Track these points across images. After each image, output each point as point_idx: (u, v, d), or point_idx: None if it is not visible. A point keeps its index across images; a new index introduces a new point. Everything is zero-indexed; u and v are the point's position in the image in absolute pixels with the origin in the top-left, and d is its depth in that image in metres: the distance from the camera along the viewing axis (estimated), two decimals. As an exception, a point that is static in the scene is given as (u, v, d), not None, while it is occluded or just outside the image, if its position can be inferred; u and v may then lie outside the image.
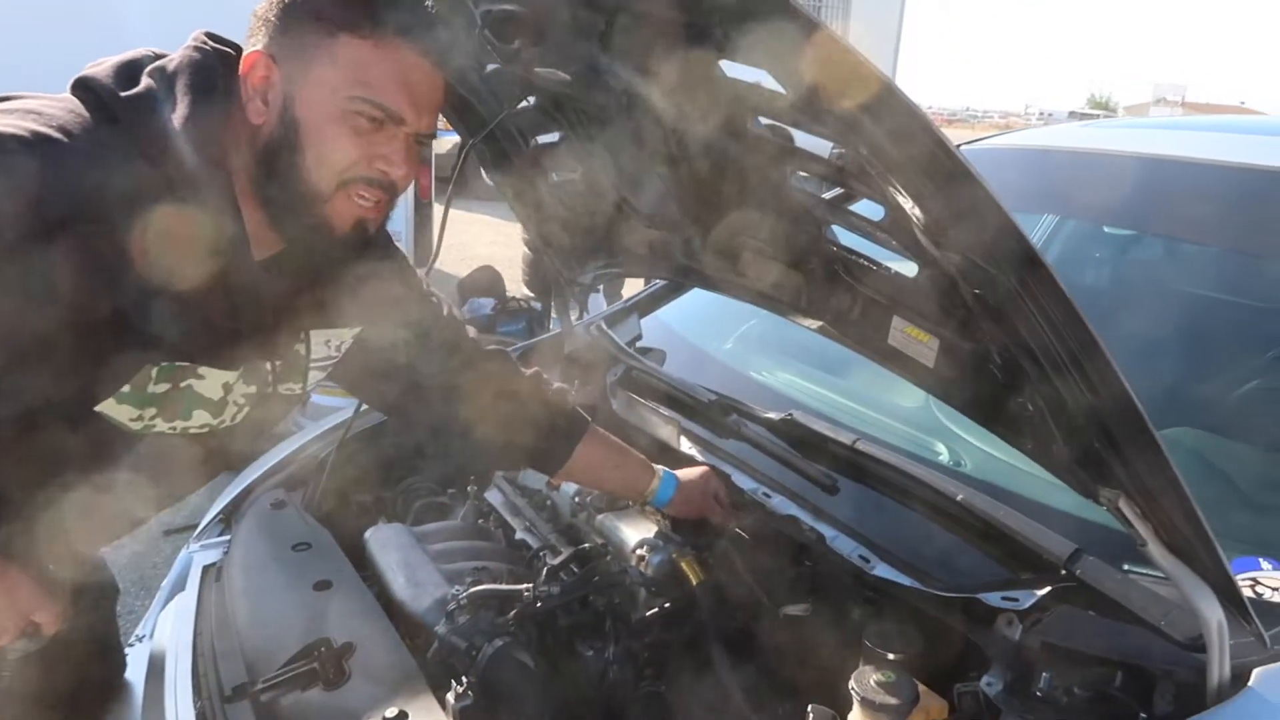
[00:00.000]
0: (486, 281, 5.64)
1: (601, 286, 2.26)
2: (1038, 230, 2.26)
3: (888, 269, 1.15)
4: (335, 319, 1.28)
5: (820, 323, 1.35)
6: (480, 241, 9.09)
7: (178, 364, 1.09)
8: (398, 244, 1.41)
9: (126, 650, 1.54)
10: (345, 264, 1.20)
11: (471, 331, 1.48)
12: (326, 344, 1.28)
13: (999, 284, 0.93)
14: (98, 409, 1.06)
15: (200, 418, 1.16)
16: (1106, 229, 2.30)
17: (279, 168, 1.05)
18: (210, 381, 1.13)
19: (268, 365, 1.20)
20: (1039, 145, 2.57)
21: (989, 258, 0.90)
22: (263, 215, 1.09)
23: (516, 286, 6.06)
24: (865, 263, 1.18)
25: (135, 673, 1.47)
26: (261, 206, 1.08)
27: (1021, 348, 0.98)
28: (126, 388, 1.06)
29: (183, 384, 1.10)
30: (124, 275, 0.96)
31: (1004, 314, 0.96)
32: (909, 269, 1.10)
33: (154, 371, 1.07)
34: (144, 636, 1.57)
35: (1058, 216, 2.29)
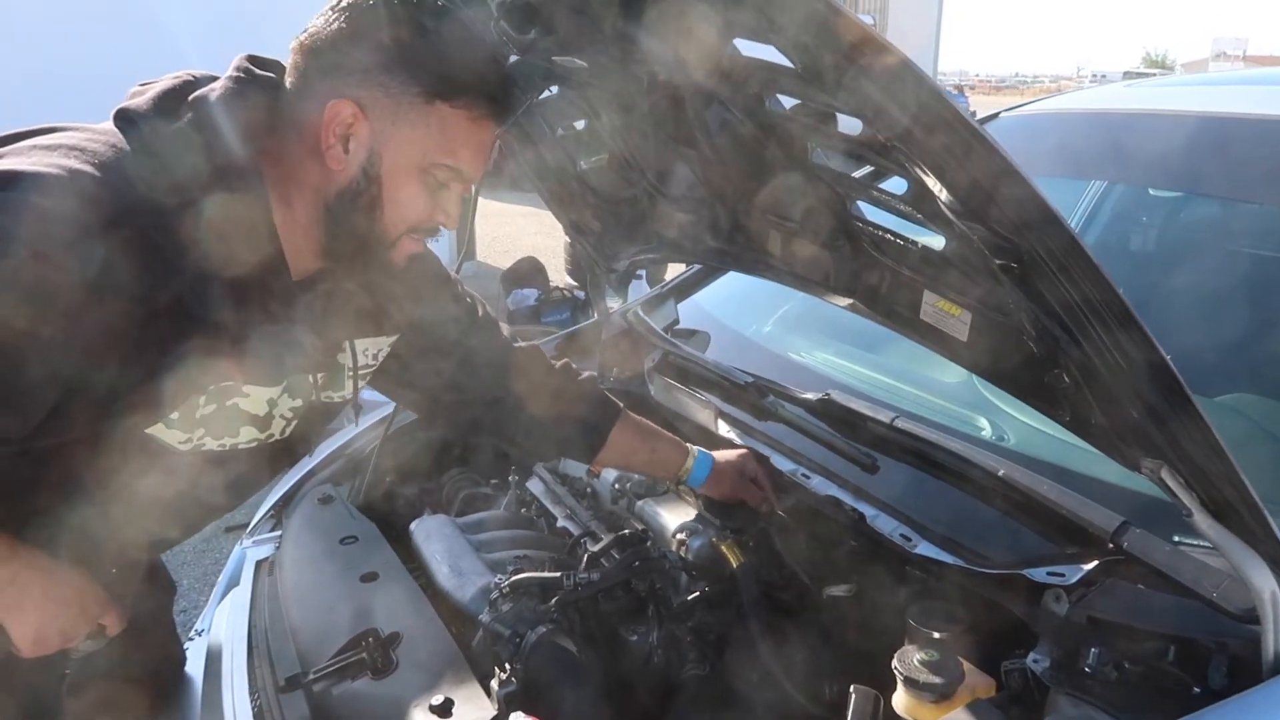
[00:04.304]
0: (529, 272, 5.68)
1: (644, 272, 2.27)
2: (1086, 196, 2.20)
3: (915, 243, 1.13)
4: (373, 328, 1.30)
5: (851, 300, 1.33)
6: (524, 233, 9.15)
7: (223, 384, 1.11)
8: (434, 243, 1.42)
9: (186, 645, 1.59)
10: (388, 282, 1.22)
11: (505, 329, 1.49)
12: (364, 352, 1.30)
13: (1025, 254, 0.91)
14: (148, 432, 1.09)
15: (248, 434, 1.18)
16: (1157, 192, 2.23)
17: (354, 217, 1.08)
18: (255, 399, 1.16)
19: (311, 378, 1.22)
20: (1084, 109, 2.49)
21: (1013, 228, 0.87)
22: (315, 244, 1.11)
23: (560, 276, 6.10)
24: (892, 238, 1.16)
25: (194, 666, 1.51)
26: (323, 244, 1.10)
27: (1053, 318, 0.95)
28: (175, 414, 1.09)
29: (228, 403, 1.13)
30: (159, 308, 0.98)
31: (1032, 284, 0.94)
32: (937, 242, 1.08)
33: (200, 399, 1.10)
34: (202, 631, 1.62)
35: (1106, 181, 2.22)
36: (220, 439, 1.15)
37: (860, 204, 1.22)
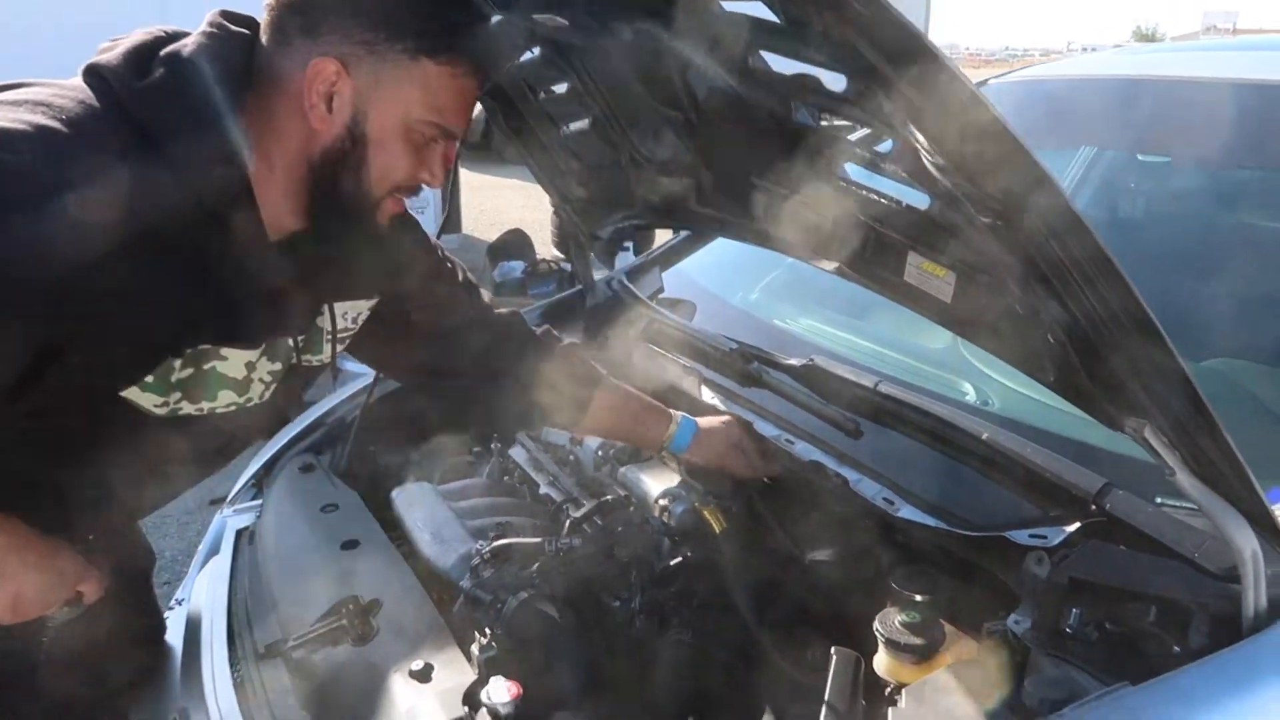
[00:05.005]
0: (516, 245, 5.65)
1: (630, 245, 2.26)
2: (1073, 163, 2.19)
3: (900, 203, 1.12)
4: (353, 291, 1.28)
5: (836, 263, 1.31)
6: (511, 206, 9.09)
7: (200, 347, 1.09)
8: (420, 213, 1.41)
9: (166, 614, 1.58)
10: (370, 243, 1.19)
11: (486, 295, 1.47)
12: (343, 316, 1.28)
13: (1010, 211, 0.89)
14: (122, 395, 1.07)
15: (226, 397, 1.16)
16: (1146, 157, 2.22)
17: (340, 178, 1.06)
18: (233, 362, 1.14)
19: (290, 341, 1.20)
20: (1071, 75, 2.48)
21: (998, 183, 0.86)
22: (296, 205, 1.08)
23: (547, 249, 6.06)
24: (877, 198, 1.14)
25: (174, 635, 1.50)
26: (305, 205, 1.09)
27: (1037, 276, 0.94)
28: (150, 377, 1.07)
29: (205, 366, 1.11)
30: (133, 271, 0.95)
31: (1018, 242, 0.92)
32: (921, 201, 1.07)
33: (176, 362, 1.08)
34: (182, 600, 1.61)
35: (1093, 147, 2.21)
36: (197, 403, 1.13)
37: (845, 165, 1.20)
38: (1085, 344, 0.96)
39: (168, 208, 0.96)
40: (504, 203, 9.25)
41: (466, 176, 8.27)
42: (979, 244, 1.01)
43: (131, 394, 1.07)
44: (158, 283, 0.98)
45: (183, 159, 0.97)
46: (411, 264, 1.34)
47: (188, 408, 1.12)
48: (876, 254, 1.21)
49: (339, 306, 1.26)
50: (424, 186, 1.13)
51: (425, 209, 5.78)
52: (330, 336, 1.26)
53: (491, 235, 6.47)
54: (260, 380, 1.18)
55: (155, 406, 1.09)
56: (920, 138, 0.91)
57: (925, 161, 0.97)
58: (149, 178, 0.95)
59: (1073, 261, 0.88)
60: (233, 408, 1.17)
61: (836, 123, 1.14)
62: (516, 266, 5.50)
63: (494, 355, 1.42)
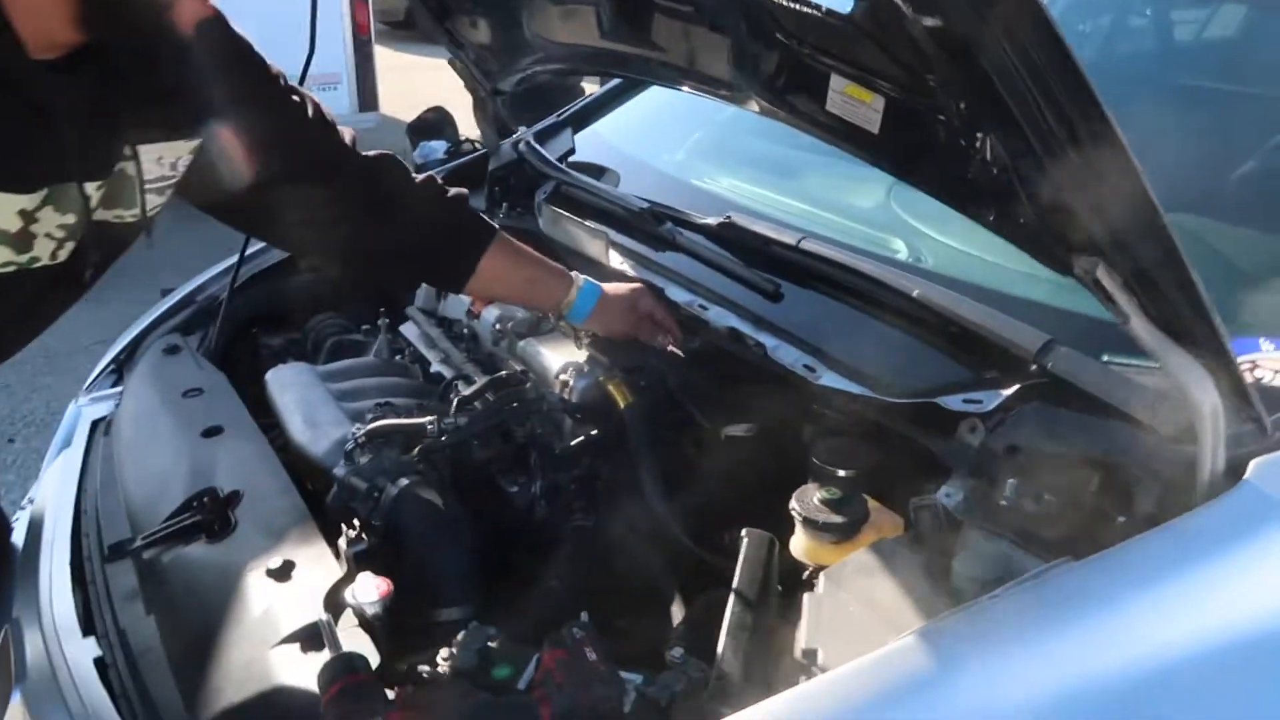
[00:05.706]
0: (437, 123, 5.32)
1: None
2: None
3: (820, 8, 0.94)
4: (165, 128, 1.06)
5: (755, 100, 1.14)
6: (434, 86, 8.60)
7: None
8: (333, 89, 1.18)
9: (16, 516, 1.41)
10: (174, 63, 0.98)
11: (348, 135, 1.26)
12: (159, 161, 1.07)
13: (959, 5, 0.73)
14: None
15: (1, 255, 0.96)
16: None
17: None
18: (2, 211, 0.93)
19: (79, 189, 0.99)
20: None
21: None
22: (66, 9, 0.87)
23: (471, 129, 5.73)
24: (792, 4, 0.96)
25: (21, 536, 1.34)
26: (75, 9, 0.88)
27: (983, 91, 0.78)
28: None
29: None
30: None
31: (963, 44, 0.76)
32: (844, 4, 0.89)
33: None
34: (34, 499, 1.44)
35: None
36: None
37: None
38: (1034, 170, 0.81)
39: None
40: (424, 83, 8.74)
41: (385, 55, 7.76)
42: (913, 55, 0.84)
43: None
44: None
45: None
46: (239, 97, 1.10)
47: None
48: (795, 80, 1.04)
49: (149, 149, 1.04)
50: None
51: (337, 85, 5.39)
52: (140, 186, 1.05)
53: (411, 117, 6.09)
54: (48, 236, 0.97)
55: None
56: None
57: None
58: None
59: (1030, 67, 0.73)
60: (12, 268, 0.97)
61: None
62: (438, 147, 5.18)
63: (359, 203, 1.22)
